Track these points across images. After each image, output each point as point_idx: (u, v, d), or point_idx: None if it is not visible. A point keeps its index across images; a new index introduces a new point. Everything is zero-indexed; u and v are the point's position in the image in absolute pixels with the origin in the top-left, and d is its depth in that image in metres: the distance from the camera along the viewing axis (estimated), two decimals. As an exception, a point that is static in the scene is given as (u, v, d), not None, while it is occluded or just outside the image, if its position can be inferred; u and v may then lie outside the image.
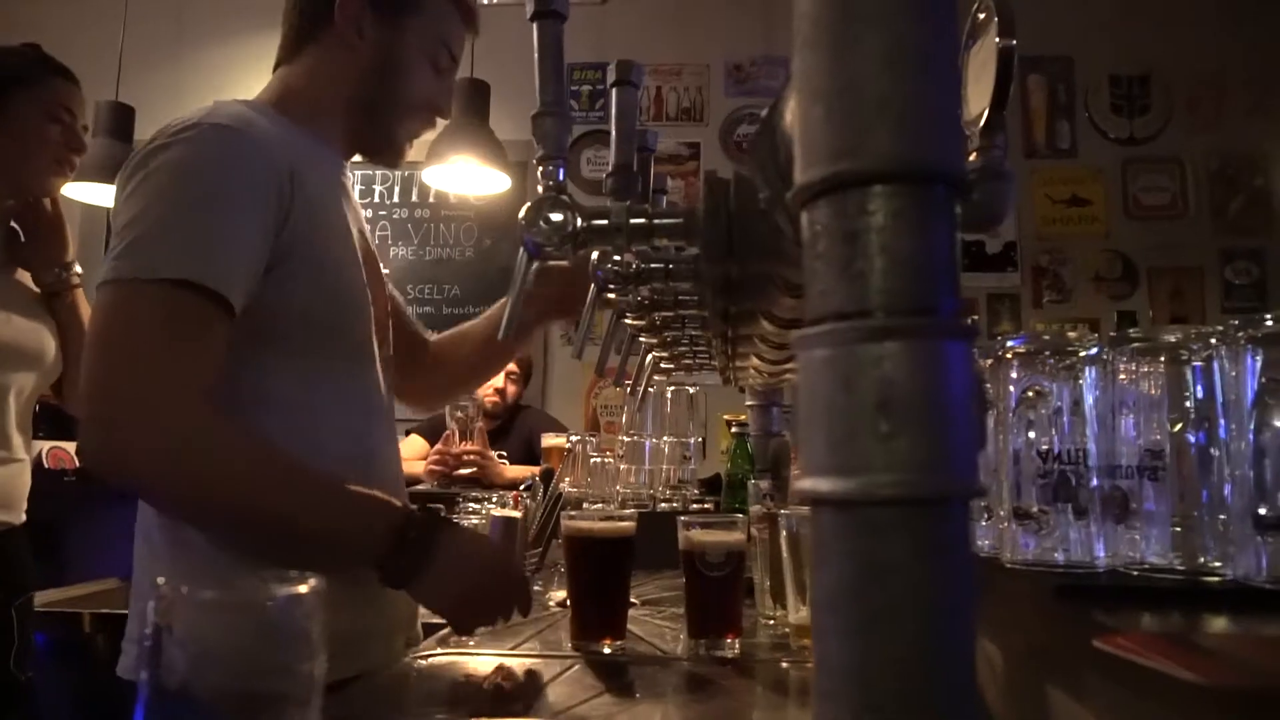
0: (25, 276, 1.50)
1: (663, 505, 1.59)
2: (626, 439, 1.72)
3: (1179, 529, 0.61)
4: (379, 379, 1.05)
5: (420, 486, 2.67)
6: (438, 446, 2.57)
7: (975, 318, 3.40)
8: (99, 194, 2.53)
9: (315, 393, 0.96)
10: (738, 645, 0.95)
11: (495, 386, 2.79)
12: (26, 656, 1.49)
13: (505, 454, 2.71)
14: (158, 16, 3.60)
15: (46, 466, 2.52)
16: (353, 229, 1.04)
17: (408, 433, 2.91)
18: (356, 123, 1.06)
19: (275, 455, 0.86)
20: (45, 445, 2.52)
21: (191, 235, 0.84)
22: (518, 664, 0.90)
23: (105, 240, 0.98)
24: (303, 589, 0.32)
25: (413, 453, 2.79)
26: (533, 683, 0.85)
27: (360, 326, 1.01)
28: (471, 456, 2.51)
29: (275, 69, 1.08)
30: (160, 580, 0.31)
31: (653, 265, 0.73)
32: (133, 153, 0.91)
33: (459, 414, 2.53)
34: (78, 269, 1.52)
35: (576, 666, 0.91)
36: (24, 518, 1.51)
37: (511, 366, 2.82)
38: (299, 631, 0.31)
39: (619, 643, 0.97)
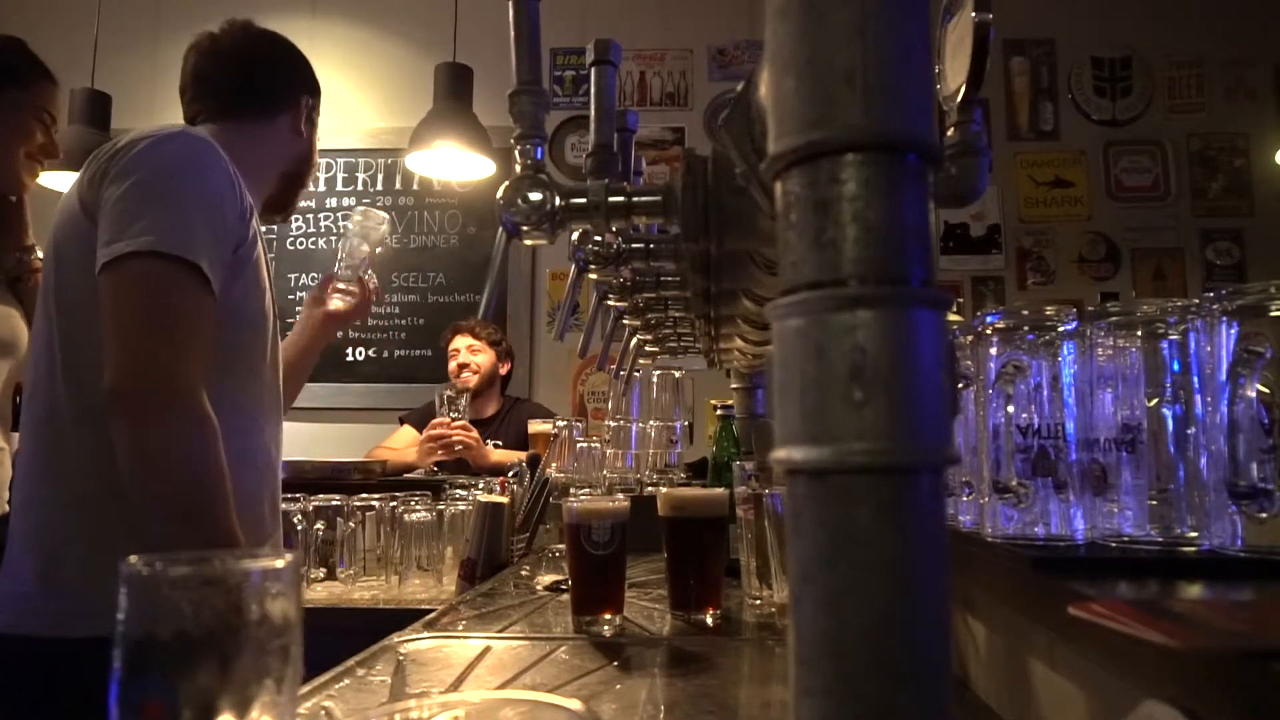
0: None
1: (649, 490, 1.59)
2: (612, 424, 1.72)
3: (1156, 501, 0.62)
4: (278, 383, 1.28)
5: (413, 473, 2.67)
6: (434, 422, 2.58)
7: (960, 301, 3.42)
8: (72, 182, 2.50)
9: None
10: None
11: (459, 363, 2.77)
12: None
13: (500, 443, 2.70)
14: (135, 2, 3.55)
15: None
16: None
17: (401, 421, 2.90)
18: (282, 188, 1.36)
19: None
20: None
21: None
22: None
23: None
24: (279, 564, 0.32)
25: (405, 441, 2.78)
26: None
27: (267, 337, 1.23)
28: (458, 435, 2.52)
29: (197, 120, 1.29)
30: (133, 559, 0.31)
31: (634, 245, 0.72)
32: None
33: (448, 393, 2.56)
34: (39, 253, 1.51)
35: (563, 647, 0.91)
36: (6, 508, 1.49)
37: (470, 340, 2.79)
38: (274, 607, 0.31)
39: (716, 612, 1.05)
